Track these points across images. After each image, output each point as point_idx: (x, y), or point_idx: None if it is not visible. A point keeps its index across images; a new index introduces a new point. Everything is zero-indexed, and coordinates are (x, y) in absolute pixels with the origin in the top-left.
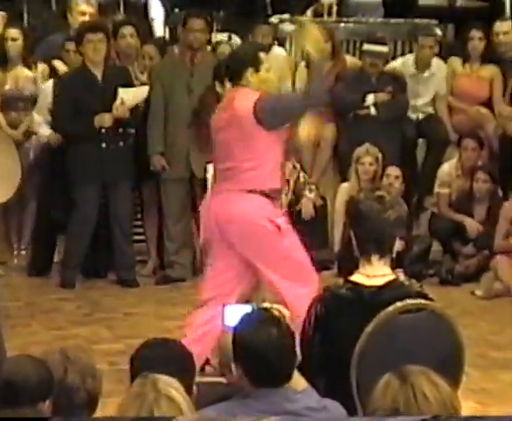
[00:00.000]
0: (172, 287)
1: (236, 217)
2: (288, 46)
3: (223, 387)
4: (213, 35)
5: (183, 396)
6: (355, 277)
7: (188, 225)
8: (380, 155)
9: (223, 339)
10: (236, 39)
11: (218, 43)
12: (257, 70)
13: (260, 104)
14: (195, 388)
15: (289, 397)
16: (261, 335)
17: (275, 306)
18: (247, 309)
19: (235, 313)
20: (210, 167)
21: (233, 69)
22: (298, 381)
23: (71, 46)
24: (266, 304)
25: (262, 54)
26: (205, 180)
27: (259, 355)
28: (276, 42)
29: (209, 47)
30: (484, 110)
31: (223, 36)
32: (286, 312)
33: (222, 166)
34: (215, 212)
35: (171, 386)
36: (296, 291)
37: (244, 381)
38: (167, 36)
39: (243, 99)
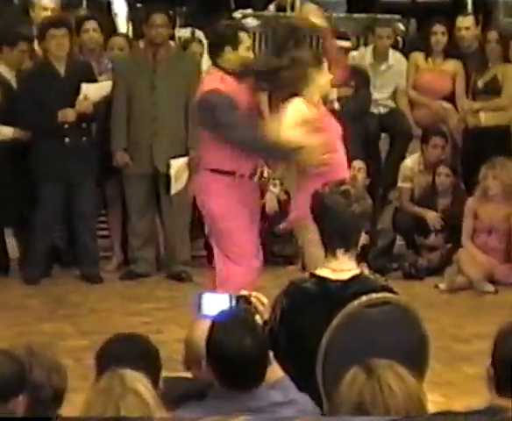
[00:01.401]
0: (136, 282)
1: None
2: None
3: (188, 382)
4: (176, 30)
5: (150, 391)
6: (320, 271)
7: (152, 221)
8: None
9: (189, 334)
10: (199, 35)
11: (187, 41)
12: (235, 49)
13: (199, 102)
14: (161, 382)
15: (256, 396)
16: (235, 343)
17: (254, 294)
18: (224, 298)
19: (212, 302)
20: (173, 163)
21: (212, 48)
22: (274, 370)
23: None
24: (245, 293)
25: (242, 34)
26: (168, 176)
27: (230, 363)
28: None
29: (172, 43)
30: (447, 105)
31: (186, 31)
32: (264, 300)
33: None
34: None
35: (138, 381)
36: (230, 267)
37: (214, 380)
38: (131, 31)
39: (204, 86)
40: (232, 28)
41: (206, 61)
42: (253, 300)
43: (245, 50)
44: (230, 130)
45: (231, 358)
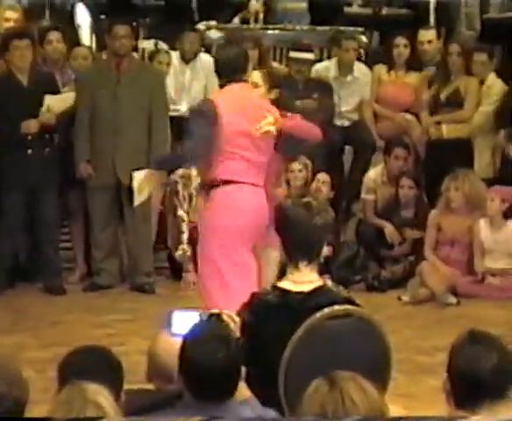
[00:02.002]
0: (99, 294)
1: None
2: (214, 53)
3: (151, 394)
4: (139, 42)
5: (111, 404)
6: (283, 283)
7: (115, 233)
8: (308, 162)
9: (152, 346)
10: (162, 46)
11: (156, 52)
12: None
13: None
14: (122, 395)
15: (224, 408)
16: (208, 354)
17: (226, 311)
18: (195, 316)
19: (183, 320)
20: (136, 175)
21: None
22: (242, 389)
23: None
24: (215, 311)
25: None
26: (130, 188)
27: (202, 374)
28: (203, 49)
29: (135, 54)
30: (409, 117)
31: (149, 43)
32: (235, 318)
33: None
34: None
35: (99, 393)
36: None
37: (185, 391)
38: (94, 43)
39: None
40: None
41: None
42: (225, 318)
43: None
44: (191, 139)
45: (205, 369)
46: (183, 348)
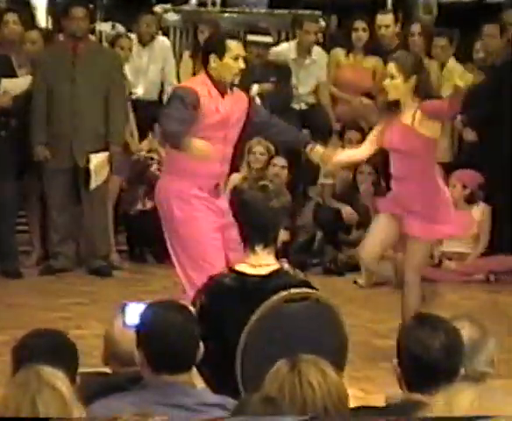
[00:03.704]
0: (56, 277)
1: None
2: (172, 35)
3: (107, 377)
4: (97, 24)
5: (67, 386)
6: (240, 267)
7: (72, 216)
8: (271, 145)
9: (109, 329)
10: (120, 29)
11: (117, 37)
12: (220, 57)
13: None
14: (78, 378)
15: (185, 391)
16: (164, 319)
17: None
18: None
19: (136, 312)
20: (93, 158)
21: (202, 55)
22: (196, 380)
23: None
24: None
25: (231, 42)
26: (88, 170)
27: (161, 338)
28: (160, 32)
29: (92, 37)
30: (367, 101)
31: (106, 25)
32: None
33: None
34: None
35: (54, 376)
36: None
37: (144, 370)
38: (50, 24)
39: (186, 82)
40: (219, 36)
41: None
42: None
43: (231, 59)
44: (166, 118)
45: (163, 333)
46: (139, 322)
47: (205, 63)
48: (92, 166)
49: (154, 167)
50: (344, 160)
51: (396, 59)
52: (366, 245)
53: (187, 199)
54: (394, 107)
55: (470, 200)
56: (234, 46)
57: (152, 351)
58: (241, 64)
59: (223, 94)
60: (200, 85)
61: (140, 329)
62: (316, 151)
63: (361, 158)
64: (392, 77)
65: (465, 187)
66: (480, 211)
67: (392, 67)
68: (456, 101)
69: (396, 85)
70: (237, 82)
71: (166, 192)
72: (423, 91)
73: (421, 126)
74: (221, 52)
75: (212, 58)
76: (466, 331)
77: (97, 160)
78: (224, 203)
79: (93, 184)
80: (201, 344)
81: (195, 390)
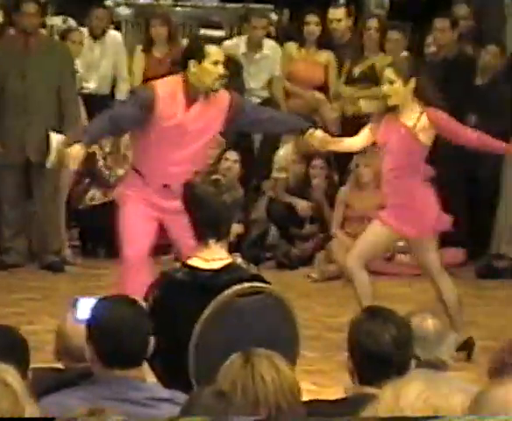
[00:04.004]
0: (8, 273)
1: None
2: (124, 29)
3: (59, 372)
4: (48, 19)
5: (18, 382)
6: (192, 261)
7: (25, 211)
8: (222, 139)
9: (61, 325)
10: (71, 22)
11: (68, 31)
12: (199, 62)
13: None
14: (29, 373)
15: (135, 386)
16: (115, 314)
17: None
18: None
19: (87, 307)
20: (53, 136)
21: (181, 60)
22: (147, 374)
23: None
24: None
25: (210, 47)
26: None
27: (111, 333)
28: (112, 26)
29: (44, 31)
30: (319, 95)
31: (58, 19)
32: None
33: None
34: None
35: (6, 372)
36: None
37: (95, 365)
38: (2, 19)
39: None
40: (198, 41)
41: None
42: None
43: (210, 64)
44: (103, 112)
45: (113, 327)
46: (90, 317)
47: (184, 68)
48: (54, 143)
49: (101, 164)
50: (341, 147)
51: (393, 64)
52: (355, 254)
53: (130, 186)
54: (391, 111)
55: None
56: (214, 51)
57: (102, 346)
58: (221, 69)
59: (191, 102)
60: (169, 85)
61: (90, 324)
62: (316, 135)
63: (357, 149)
64: (391, 83)
65: None
66: None
67: (389, 72)
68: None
69: (396, 90)
70: (214, 87)
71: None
72: (425, 93)
73: (422, 132)
74: (200, 57)
75: (192, 63)
76: (431, 322)
77: (57, 139)
78: (173, 203)
79: (50, 163)
80: (151, 339)
81: (145, 385)
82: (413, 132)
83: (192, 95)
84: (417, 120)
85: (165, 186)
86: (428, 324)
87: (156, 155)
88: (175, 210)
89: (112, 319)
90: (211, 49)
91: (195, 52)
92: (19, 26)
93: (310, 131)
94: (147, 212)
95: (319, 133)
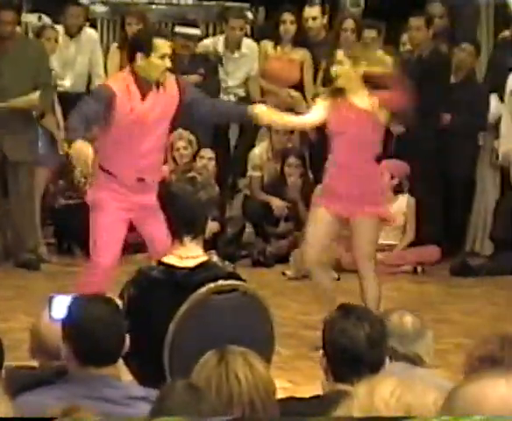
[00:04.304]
0: None
1: None
2: (99, 27)
3: (34, 370)
4: (23, 16)
5: None
6: (168, 259)
7: (0, 208)
8: (193, 138)
9: (36, 323)
10: (46, 20)
11: (43, 28)
12: (147, 55)
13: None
14: (3, 372)
15: (111, 384)
16: (90, 311)
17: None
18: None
19: (62, 305)
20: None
21: (128, 52)
22: (123, 372)
23: None
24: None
25: (159, 40)
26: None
27: (87, 332)
28: (88, 23)
29: (18, 28)
30: (295, 93)
31: (33, 16)
32: (118, 302)
33: None
34: None
35: None
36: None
37: (71, 363)
38: None
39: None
40: (147, 34)
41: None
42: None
43: (158, 58)
44: (73, 112)
45: (88, 324)
46: (65, 315)
47: (131, 60)
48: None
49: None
50: (295, 122)
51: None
52: (309, 250)
53: (102, 188)
54: (339, 94)
55: (397, 190)
56: (161, 44)
57: (77, 344)
58: (167, 63)
59: (145, 93)
60: (120, 81)
61: (66, 322)
62: (262, 112)
63: (311, 125)
64: (340, 64)
65: (392, 177)
66: (404, 202)
67: (340, 54)
68: (401, 92)
69: (346, 71)
70: (162, 80)
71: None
72: (373, 79)
73: (378, 113)
74: (148, 50)
75: (139, 56)
76: (409, 318)
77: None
78: (149, 198)
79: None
80: (127, 337)
81: (120, 383)
82: (371, 114)
83: (144, 86)
84: (370, 103)
85: (139, 180)
86: (407, 320)
87: (123, 152)
88: (151, 206)
89: (88, 317)
90: (159, 42)
91: (143, 45)
92: None
93: (256, 109)
94: (119, 215)
95: (263, 109)
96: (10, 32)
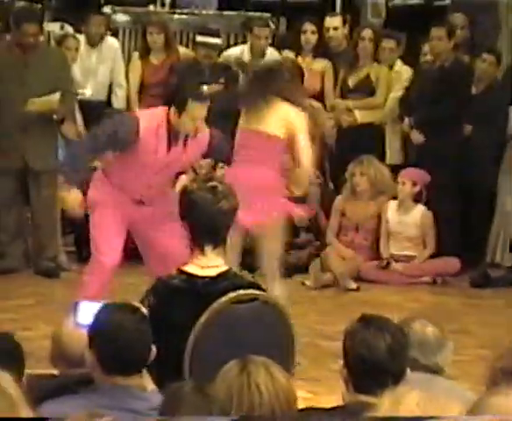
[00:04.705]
0: (4, 278)
1: None
2: (121, 36)
3: (55, 378)
4: (45, 25)
5: (14, 388)
6: (188, 268)
7: (21, 216)
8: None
9: (57, 331)
10: (68, 29)
11: (64, 37)
12: (179, 113)
13: None
14: (24, 379)
15: (136, 395)
16: (116, 319)
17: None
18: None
19: (88, 310)
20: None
21: (169, 95)
22: (147, 382)
23: None
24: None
25: (194, 103)
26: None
27: (114, 340)
28: (109, 32)
29: (41, 37)
30: (316, 104)
31: (55, 25)
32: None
33: None
34: None
35: (1, 378)
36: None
37: (95, 372)
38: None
39: (142, 115)
40: (184, 93)
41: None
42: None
43: (189, 119)
44: (88, 137)
45: (114, 332)
46: (92, 323)
47: (169, 107)
48: None
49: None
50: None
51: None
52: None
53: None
54: None
55: (417, 198)
56: (195, 107)
57: (104, 352)
58: (197, 124)
59: (173, 139)
60: (155, 119)
61: (92, 330)
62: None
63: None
64: None
65: (414, 184)
66: (419, 213)
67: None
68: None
69: None
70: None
71: None
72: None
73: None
74: (181, 108)
75: (172, 109)
76: (431, 329)
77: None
78: (146, 210)
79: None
80: (153, 346)
81: (145, 394)
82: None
83: (173, 133)
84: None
85: (138, 201)
86: (429, 330)
87: (128, 176)
88: (151, 218)
89: (114, 326)
90: (193, 105)
91: (178, 102)
92: (19, 43)
93: None
94: (118, 214)
95: None
96: (34, 43)
